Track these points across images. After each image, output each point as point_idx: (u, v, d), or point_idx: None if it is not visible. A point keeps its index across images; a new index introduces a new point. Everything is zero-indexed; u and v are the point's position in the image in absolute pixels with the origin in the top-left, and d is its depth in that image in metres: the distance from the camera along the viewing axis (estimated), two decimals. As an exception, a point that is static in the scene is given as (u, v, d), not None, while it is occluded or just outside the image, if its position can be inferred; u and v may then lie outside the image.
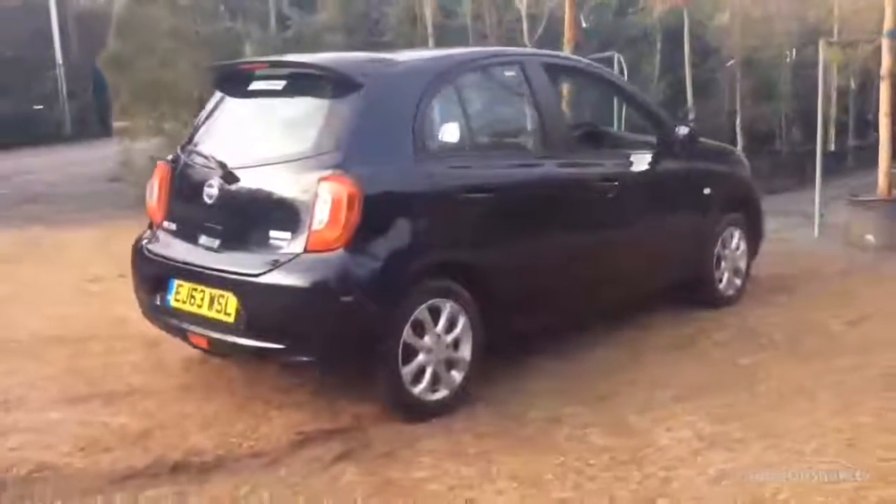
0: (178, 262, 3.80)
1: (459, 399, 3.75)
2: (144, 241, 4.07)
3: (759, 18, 10.95)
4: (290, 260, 3.40)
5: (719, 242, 5.24)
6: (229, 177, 3.67)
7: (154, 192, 4.10)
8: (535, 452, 3.33)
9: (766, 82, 11.63)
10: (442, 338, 3.64)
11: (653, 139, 4.95)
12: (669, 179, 4.83)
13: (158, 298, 3.89)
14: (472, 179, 3.77)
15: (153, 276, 3.93)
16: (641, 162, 4.72)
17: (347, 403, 3.73)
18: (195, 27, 9.53)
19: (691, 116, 10.24)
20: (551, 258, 4.09)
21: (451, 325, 3.68)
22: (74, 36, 17.30)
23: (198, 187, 3.80)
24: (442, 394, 3.68)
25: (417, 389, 3.58)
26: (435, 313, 3.61)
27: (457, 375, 3.74)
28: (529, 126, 4.27)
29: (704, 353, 4.49)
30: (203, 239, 3.77)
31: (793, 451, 3.25)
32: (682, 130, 4.86)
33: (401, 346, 3.48)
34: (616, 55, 9.28)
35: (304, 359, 3.48)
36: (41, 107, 16.23)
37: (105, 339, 4.68)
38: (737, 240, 5.40)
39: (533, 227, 4.02)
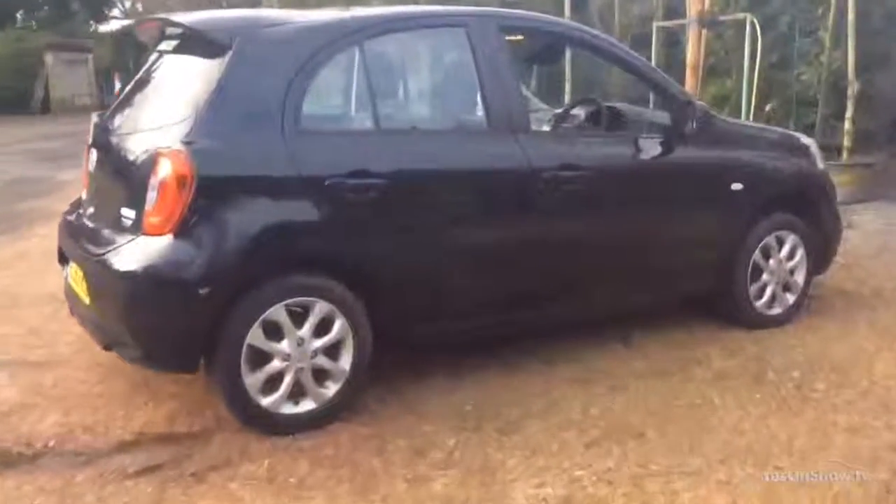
0: (69, 237, 3.59)
1: (334, 413, 3.26)
2: (64, 216, 3.90)
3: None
4: (127, 242, 3.06)
5: (758, 250, 4.25)
6: (106, 146, 3.39)
7: (83, 161, 3.93)
8: (362, 495, 2.79)
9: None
10: (307, 343, 3.15)
11: (667, 121, 4.05)
12: (667, 169, 3.93)
13: (67, 275, 3.72)
14: (364, 164, 3.19)
15: (61, 252, 3.76)
16: (632, 147, 3.86)
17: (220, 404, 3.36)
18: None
19: (851, 91, 8.66)
20: (473, 259, 3.45)
21: (323, 329, 3.19)
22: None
23: (92, 156, 3.57)
24: (307, 407, 3.21)
25: (269, 400, 3.13)
26: (300, 313, 3.13)
27: (331, 387, 3.24)
28: (467, 103, 3.60)
29: (679, 387, 3.63)
30: (88, 211, 3.54)
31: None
32: (697, 109, 3.93)
33: (244, 349, 3.04)
34: (748, 16, 8.00)
35: (133, 354, 3.14)
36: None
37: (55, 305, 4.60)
38: (789, 248, 4.36)
39: (449, 222, 3.39)
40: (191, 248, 2.96)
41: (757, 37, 8.09)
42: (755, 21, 8.08)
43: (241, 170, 3.05)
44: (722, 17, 8.91)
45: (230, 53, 3.11)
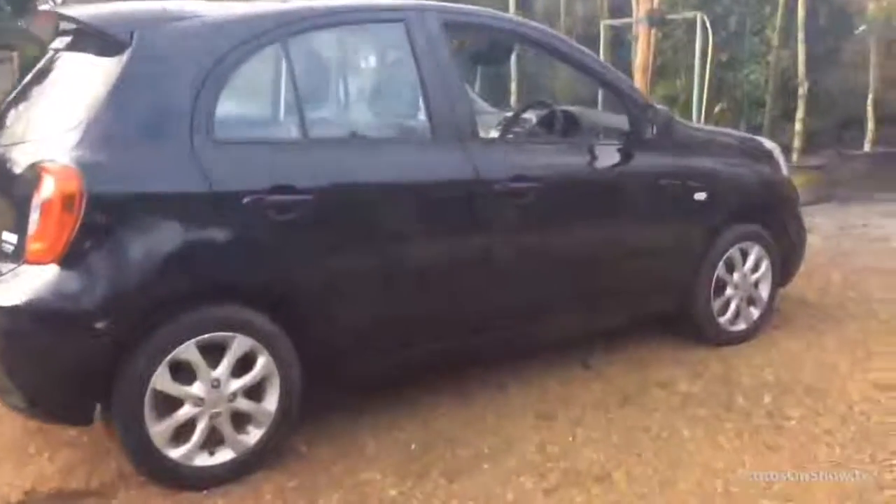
0: None
1: (257, 463, 2.84)
2: None
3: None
4: (8, 272, 2.60)
5: (721, 263, 3.95)
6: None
7: None
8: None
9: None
10: (224, 384, 2.73)
11: (625, 126, 3.73)
12: (627, 179, 3.61)
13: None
14: (289, 178, 2.78)
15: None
16: (589, 155, 3.54)
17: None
18: None
19: (801, 91, 8.53)
20: (416, 282, 3.07)
21: (243, 367, 2.77)
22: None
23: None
24: (225, 457, 2.79)
25: (179, 451, 2.70)
26: (215, 351, 2.71)
27: (254, 433, 2.83)
28: (407, 108, 3.23)
29: (644, 417, 3.30)
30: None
31: None
32: (658, 113, 3.61)
33: (148, 394, 2.61)
34: (699, 15, 7.78)
35: (15, 402, 2.68)
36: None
37: None
38: (753, 260, 4.09)
39: (388, 242, 3.00)
40: (81, 279, 2.51)
41: (708, 35, 7.87)
42: (706, 19, 7.86)
43: (141, 186, 2.61)
44: (671, 16, 8.69)
45: (129, 51, 2.67)
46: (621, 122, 3.77)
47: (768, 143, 4.33)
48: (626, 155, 3.62)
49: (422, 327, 3.14)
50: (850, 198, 8.43)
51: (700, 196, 3.79)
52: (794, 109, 9.02)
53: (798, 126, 8.60)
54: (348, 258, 2.91)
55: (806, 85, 8.52)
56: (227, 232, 2.68)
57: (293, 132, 2.94)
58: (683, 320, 4.01)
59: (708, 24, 7.88)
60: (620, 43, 10.18)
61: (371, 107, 3.49)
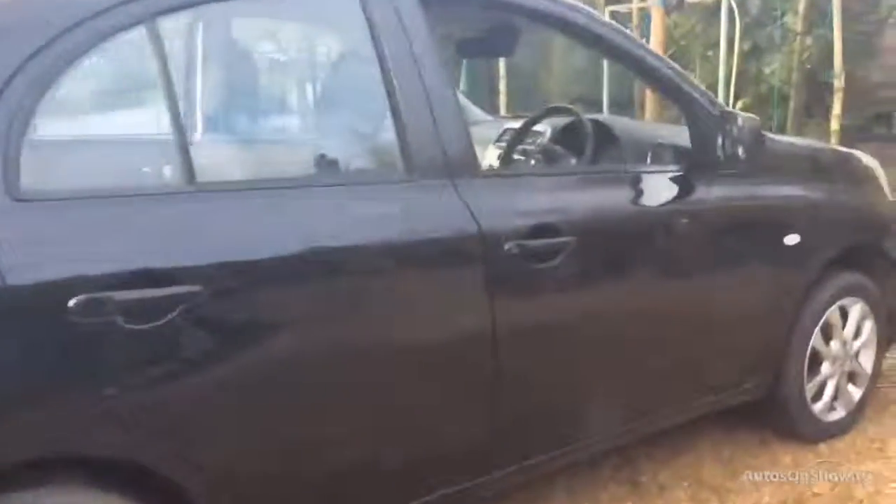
0: None
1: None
2: None
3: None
4: None
5: (818, 330, 2.82)
6: None
7: None
8: None
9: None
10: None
11: (685, 143, 2.57)
12: (690, 222, 2.45)
13: None
14: (165, 258, 1.61)
15: None
16: (635, 189, 2.39)
17: None
18: None
19: (838, 84, 7.41)
20: (373, 413, 1.91)
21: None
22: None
23: None
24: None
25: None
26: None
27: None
28: (364, 128, 2.08)
29: None
30: None
31: None
32: (740, 123, 2.45)
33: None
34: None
35: None
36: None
37: None
38: (856, 321, 2.95)
39: (330, 350, 1.83)
40: None
41: (735, 21, 6.75)
42: (733, 3, 6.73)
43: None
44: None
45: None
46: (679, 136, 2.63)
47: (867, 159, 3.18)
48: (689, 186, 2.47)
49: (394, 475, 1.98)
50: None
51: (792, 240, 2.64)
52: (819, 104, 7.95)
53: (833, 124, 7.47)
54: (255, 374, 1.74)
55: (843, 77, 7.39)
56: (23, 353, 1.51)
57: (167, 177, 1.76)
58: (765, 411, 2.87)
59: (735, 8, 6.75)
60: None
61: (301, 128, 2.29)
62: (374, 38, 1.97)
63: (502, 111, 8.08)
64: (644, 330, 2.35)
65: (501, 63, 8.96)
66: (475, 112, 3.55)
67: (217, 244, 1.69)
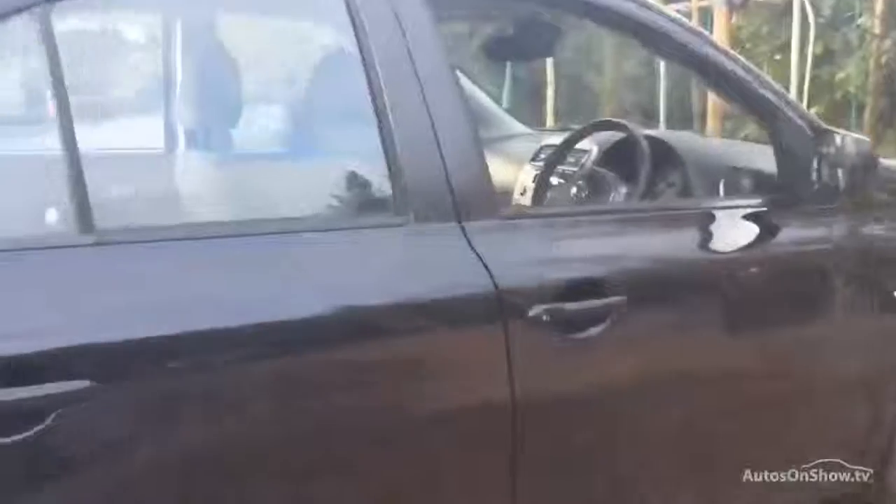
0: None
1: None
2: None
3: None
4: None
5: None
6: None
7: None
8: None
9: None
10: None
11: (769, 168, 2.02)
12: (776, 273, 1.91)
13: None
14: (39, 340, 1.16)
15: None
16: (704, 229, 1.86)
17: None
18: None
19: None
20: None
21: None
22: None
23: None
24: None
25: None
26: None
27: None
28: (344, 162, 1.61)
29: None
30: None
31: None
32: (845, 147, 1.89)
33: None
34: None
35: None
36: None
37: None
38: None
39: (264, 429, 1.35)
40: None
41: (809, 22, 6.13)
42: (806, 2, 6.10)
43: None
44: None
45: None
46: (760, 158, 2.09)
47: None
48: (774, 226, 1.93)
49: None
50: None
51: (905, 292, 2.08)
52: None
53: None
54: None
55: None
56: None
57: (62, 231, 1.28)
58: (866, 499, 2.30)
59: (809, 8, 6.11)
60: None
61: (256, 163, 1.77)
62: (359, 40, 1.48)
63: (549, 122, 7.50)
64: (715, 420, 1.81)
65: (549, 67, 8.35)
66: (509, 123, 3.04)
67: (129, 324, 1.21)
